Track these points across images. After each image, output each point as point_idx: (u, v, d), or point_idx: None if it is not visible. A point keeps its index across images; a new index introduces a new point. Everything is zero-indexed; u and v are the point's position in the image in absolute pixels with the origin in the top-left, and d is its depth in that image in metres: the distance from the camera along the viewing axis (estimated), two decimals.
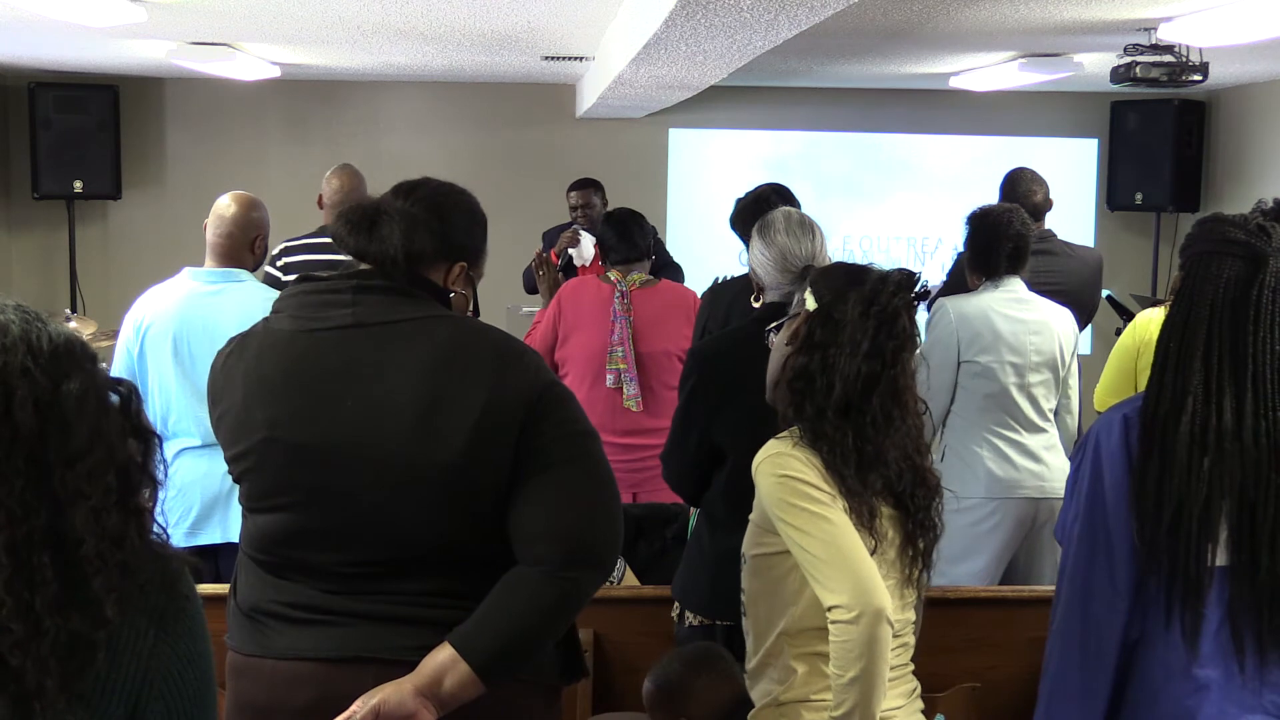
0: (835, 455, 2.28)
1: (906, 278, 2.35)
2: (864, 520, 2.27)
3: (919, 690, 2.43)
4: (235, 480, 2.18)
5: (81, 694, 1.33)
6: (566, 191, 6.58)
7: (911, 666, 2.42)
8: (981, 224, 4.09)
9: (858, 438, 2.29)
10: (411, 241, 2.13)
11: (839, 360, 2.30)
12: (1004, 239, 4.02)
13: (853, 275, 2.38)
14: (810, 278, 2.46)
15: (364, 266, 2.18)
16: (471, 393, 2.04)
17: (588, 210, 6.37)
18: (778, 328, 2.56)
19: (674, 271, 6.13)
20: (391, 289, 2.13)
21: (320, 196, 4.93)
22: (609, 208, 6.03)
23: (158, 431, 1.44)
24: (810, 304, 2.39)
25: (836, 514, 2.24)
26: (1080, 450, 2.04)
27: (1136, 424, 1.95)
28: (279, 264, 4.74)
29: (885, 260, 8.13)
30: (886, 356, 2.29)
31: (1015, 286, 4.05)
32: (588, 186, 6.51)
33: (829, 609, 2.17)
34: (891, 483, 2.32)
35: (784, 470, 2.28)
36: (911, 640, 2.43)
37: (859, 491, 2.27)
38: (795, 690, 2.32)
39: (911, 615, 2.42)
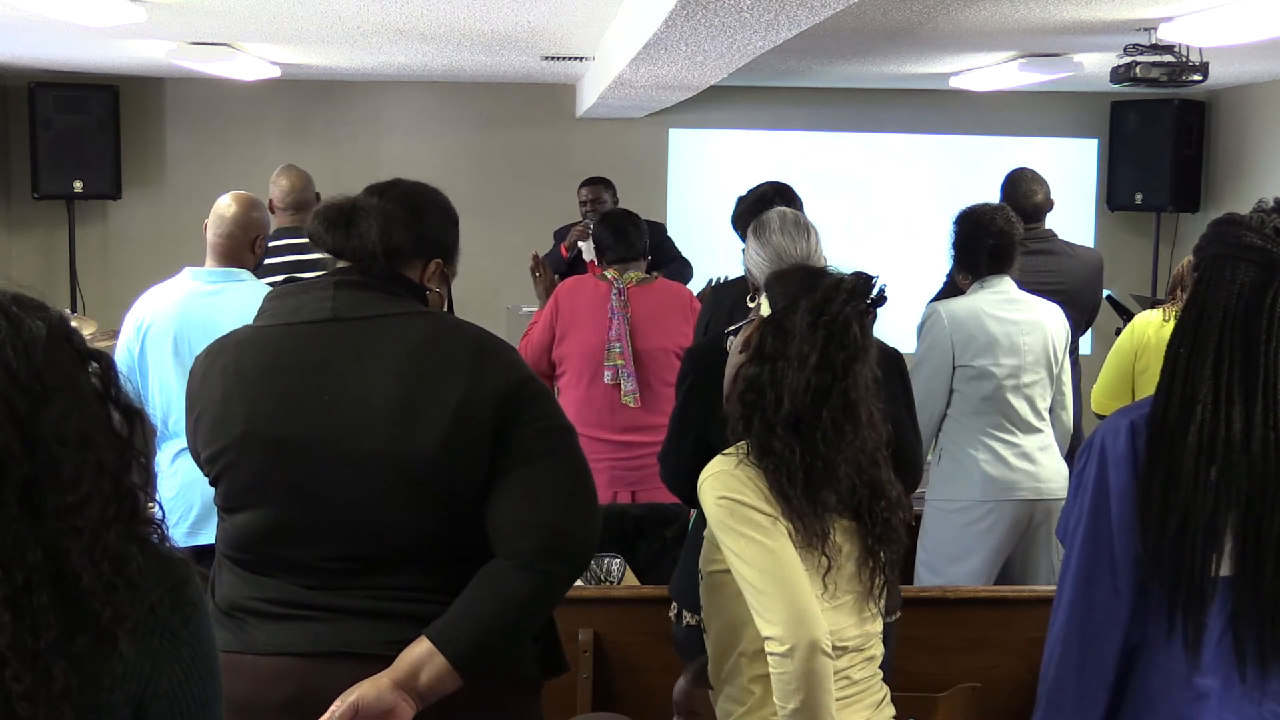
0: (782, 474, 2.22)
1: (861, 283, 2.27)
2: (814, 541, 2.22)
3: (888, 696, 2.40)
4: (212, 482, 2.17)
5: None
6: (577, 188, 6.62)
7: (880, 675, 2.39)
8: (964, 223, 4.09)
9: (807, 453, 2.22)
10: (389, 237, 2.14)
11: (787, 374, 2.24)
12: (985, 236, 4.02)
13: (806, 281, 2.32)
14: (766, 281, 2.42)
15: (341, 264, 2.19)
16: (449, 388, 2.05)
17: (598, 206, 6.39)
18: (735, 332, 2.53)
19: (683, 266, 6.18)
20: (370, 284, 2.14)
21: (270, 201, 4.90)
22: (619, 205, 6.09)
23: (143, 410, 1.41)
24: (765, 309, 2.35)
25: (777, 539, 2.20)
26: (1085, 453, 2.02)
27: (1143, 430, 1.92)
28: None
29: (884, 262, 8.15)
30: (837, 369, 2.23)
31: (1006, 286, 4.04)
32: (598, 183, 6.57)
33: (765, 639, 2.15)
34: (845, 498, 2.27)
35: (725, 492, 2.24)
36: (878, 652, 2.38)
37: (806, 513, 2.22)
38: (754, 713, 2.29)
39: (876, 627, 2.37)
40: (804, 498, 2.22)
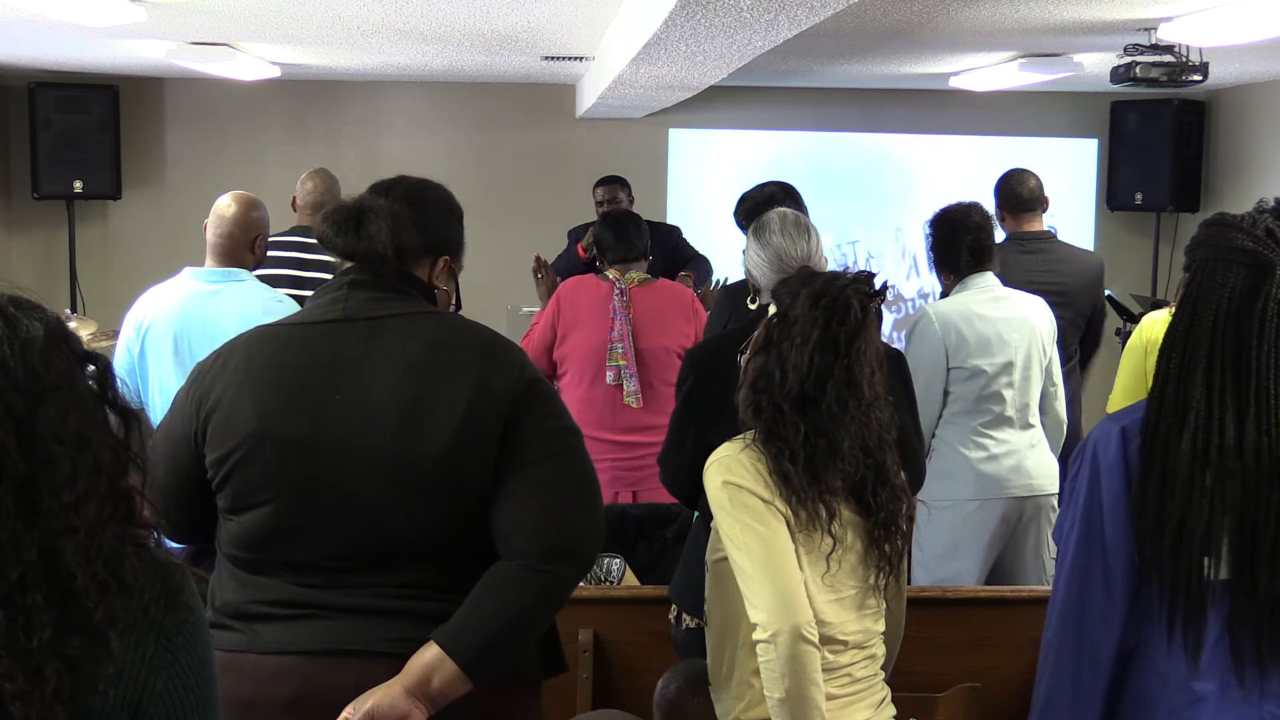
0: (784, 455, 2.26)
1: (864, 275, 2.36)
2: (818, 522, 2.25)
3: (889, 697, 2.40)
4: (218, 486, 2.15)
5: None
6: (593, 188, 6.62)
7: (882, 676, 2.39)
8: (940, 224, 4.09)
9: (812, 432, 2.26)
10: (400, 237, 2.17)
11: (790, 353, 2.29)
12: (963, 234, 4.01)
13: (808, 278, 2.39)
14: (773, 288, 2.47)
15: (348, 265, 2.21)
16: (457, 388, 2.07)
17: (614, 205, 6.38)
18: (745, 349, 2.56)
19: (702, 263, 6.20)
20: (381, 285, 2.17)
21: (294, 198, 5.04)
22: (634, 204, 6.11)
23: (140, 411, 1.42)
24: (773, 312, 2.40)
25: (771, 526, 2.23)
26: (1077, 459, 2.01)
27: (1135, 436, 1.92)
28: None
29: (884, 262, 8.16)
30: (840, 345, 2.28)
31: (990, 284, 4.03)
32: (614, 182, 6.57)
33: (754, 626, 2.17)
34: (849, 476, 2.29)
35: (727, 476, 2.29)
36: (880, 651, 2.38)
37: (806, 492, 2.25)
38: (755, 709, 2.30)
39: (878, 626, 2.37)
40: (804, 475, 2.25)
